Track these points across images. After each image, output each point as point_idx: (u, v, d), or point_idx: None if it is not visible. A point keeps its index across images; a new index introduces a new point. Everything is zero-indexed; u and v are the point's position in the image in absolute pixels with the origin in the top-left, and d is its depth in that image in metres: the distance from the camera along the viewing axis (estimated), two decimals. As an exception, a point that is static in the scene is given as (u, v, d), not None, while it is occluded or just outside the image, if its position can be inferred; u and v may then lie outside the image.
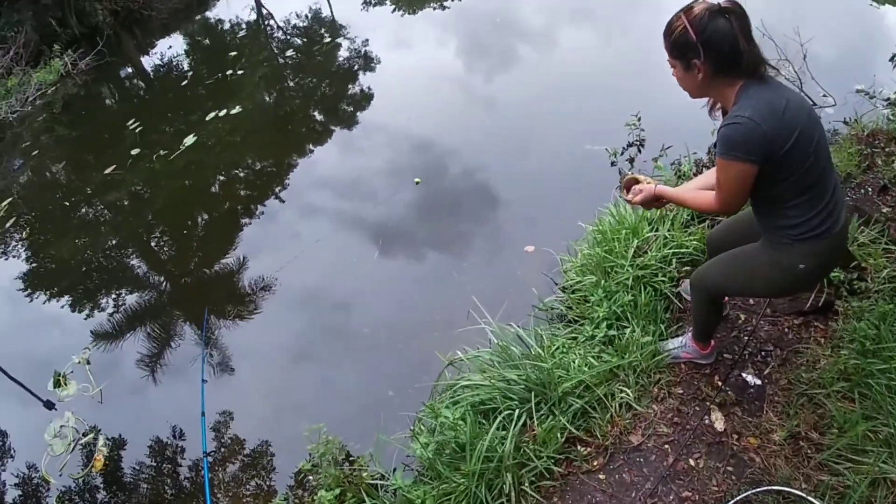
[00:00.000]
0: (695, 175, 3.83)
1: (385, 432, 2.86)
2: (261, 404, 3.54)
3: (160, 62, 8.31)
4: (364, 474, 2.49)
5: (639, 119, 4.68)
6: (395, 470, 2.65)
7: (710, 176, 2.23)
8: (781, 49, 4.84)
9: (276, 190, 5.38)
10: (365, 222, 4.74)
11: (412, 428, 2.75)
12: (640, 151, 4.77)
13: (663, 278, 3.16)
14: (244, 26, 9.08)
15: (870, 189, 3.80)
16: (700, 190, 2.18)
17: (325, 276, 4.33)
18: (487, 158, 5.25)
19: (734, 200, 1.89)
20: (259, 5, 9.42)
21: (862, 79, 5.09)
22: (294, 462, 3.02)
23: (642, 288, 3.12)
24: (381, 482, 2.59)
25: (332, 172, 5.52)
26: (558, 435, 2.47)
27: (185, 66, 8.19)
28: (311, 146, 6.05)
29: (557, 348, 2.88)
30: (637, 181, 2.35)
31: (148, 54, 8.71)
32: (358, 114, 6.58)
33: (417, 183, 4.93)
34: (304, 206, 5.17)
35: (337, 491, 2.48)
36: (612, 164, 4.71)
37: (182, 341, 4.08)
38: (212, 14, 9.73)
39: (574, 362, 2.75)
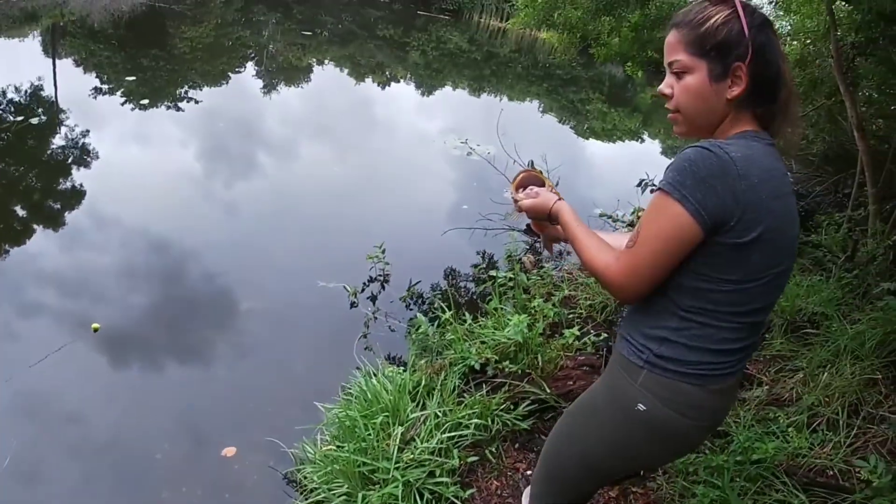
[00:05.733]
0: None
1: None
2: None
3: None
4: None
5: (383, 251, 3.89)
6: None
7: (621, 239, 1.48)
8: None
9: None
10: None
11: None
12: (384, 288, 3.96)
13: (444, 479, 2.20)
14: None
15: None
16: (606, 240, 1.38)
17: None
18: (178, 312, 3.81)
19: (647, 273, 1.16)
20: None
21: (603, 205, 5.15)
22: None
23: (417, 498, 2.11)
24: None
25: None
26: None
27: None
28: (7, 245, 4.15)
29: None
30: (538, 181, 1.57)
31: None
32: (67, 213, 4.79)
33: (96, 330, 3.36)
34: None
35: None
36: (353, 305, 3.78)
37: None
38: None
39: None
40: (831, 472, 2.39)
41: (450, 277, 4.24)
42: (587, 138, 11.13)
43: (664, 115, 1.28)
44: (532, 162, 2.66)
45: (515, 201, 1.52)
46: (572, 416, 1.45)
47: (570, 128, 11.93)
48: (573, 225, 1.36)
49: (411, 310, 3.79)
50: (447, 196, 5.85)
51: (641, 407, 1.22)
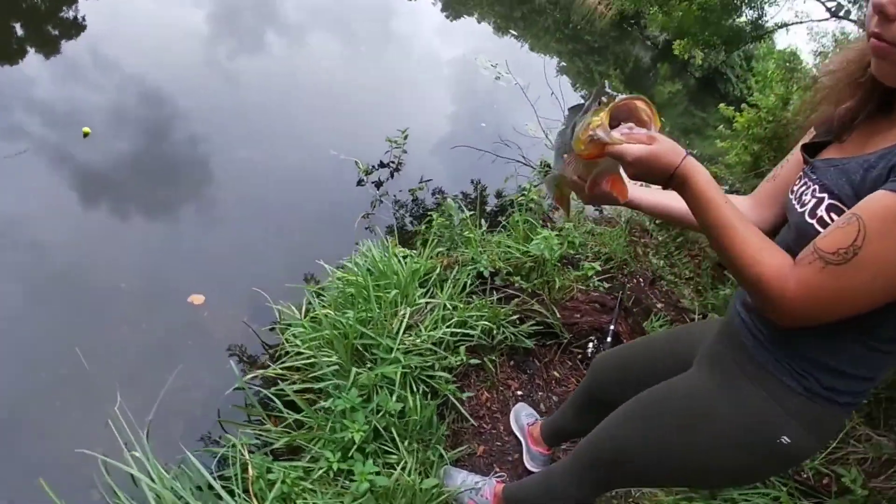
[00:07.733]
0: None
1: None
2: None
3: None
4: None
5: (405, 137, 3.62)
6: None
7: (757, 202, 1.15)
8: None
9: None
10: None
11: None
12: (392, 176, 3.71)
13: (442, 372, 2.06)
14: None
15: (642, 280, 3.35)
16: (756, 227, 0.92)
17: None
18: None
19: (850, 303, 0.80)
20: None
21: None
22: None
23: (412, 385, 1.97)
24: None
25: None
26: None
27: None
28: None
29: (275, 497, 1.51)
30: (643, 119, 0.90)
31: None
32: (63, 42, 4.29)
33: (86, 135, 3.04)
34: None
35: None
36: (360, 182, 3.55)
37: None
38: None
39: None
40: (805, 475, 2.37)
41: (459, 185, 4.01)
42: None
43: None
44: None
45: (604, 143, 0.89)
46: (671, 428, 1.12)
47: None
48: (717, 199, 0.87)
49: (417, 203, 3.59)
50: (466, 109, 5.60)
51: (785, 440, 0.98)
